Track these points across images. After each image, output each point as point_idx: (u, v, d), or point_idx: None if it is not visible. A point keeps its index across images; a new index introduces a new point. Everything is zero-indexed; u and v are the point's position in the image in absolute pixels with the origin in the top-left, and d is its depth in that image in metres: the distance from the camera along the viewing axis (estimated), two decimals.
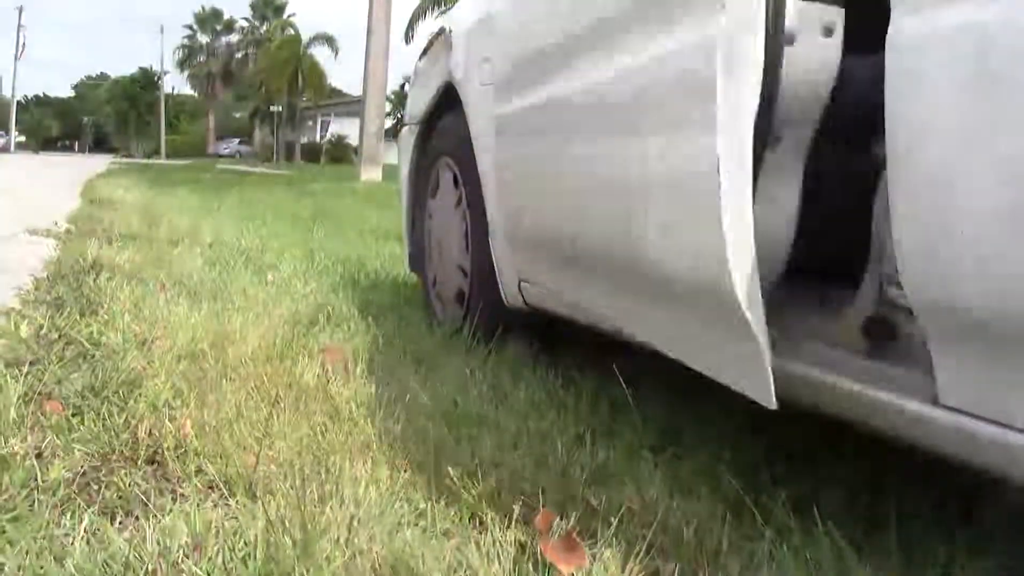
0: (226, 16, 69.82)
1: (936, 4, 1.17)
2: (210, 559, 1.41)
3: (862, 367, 1.43)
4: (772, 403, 1.42)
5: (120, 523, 1.62)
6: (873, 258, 1.41)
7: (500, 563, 1.41)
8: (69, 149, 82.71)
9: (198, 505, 1.65)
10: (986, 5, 1.09)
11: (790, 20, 1.54)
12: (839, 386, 1.45)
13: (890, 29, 1.21)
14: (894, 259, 1.31)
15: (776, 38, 1.52)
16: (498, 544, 1.46)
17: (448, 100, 3.26)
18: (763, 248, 1.59)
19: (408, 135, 3.84)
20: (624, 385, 1.97)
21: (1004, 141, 1.06)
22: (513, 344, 2.91)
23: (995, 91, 1.07)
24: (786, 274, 1.74)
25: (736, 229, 1.44)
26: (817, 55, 1.58)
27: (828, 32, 1.57)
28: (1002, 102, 1.07)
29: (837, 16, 1.58)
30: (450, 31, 3.27)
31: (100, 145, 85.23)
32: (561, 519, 1.57)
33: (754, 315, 1.42)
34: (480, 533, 1.53)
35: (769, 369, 1.42)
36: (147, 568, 1.35)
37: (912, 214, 1.20)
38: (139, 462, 1.87)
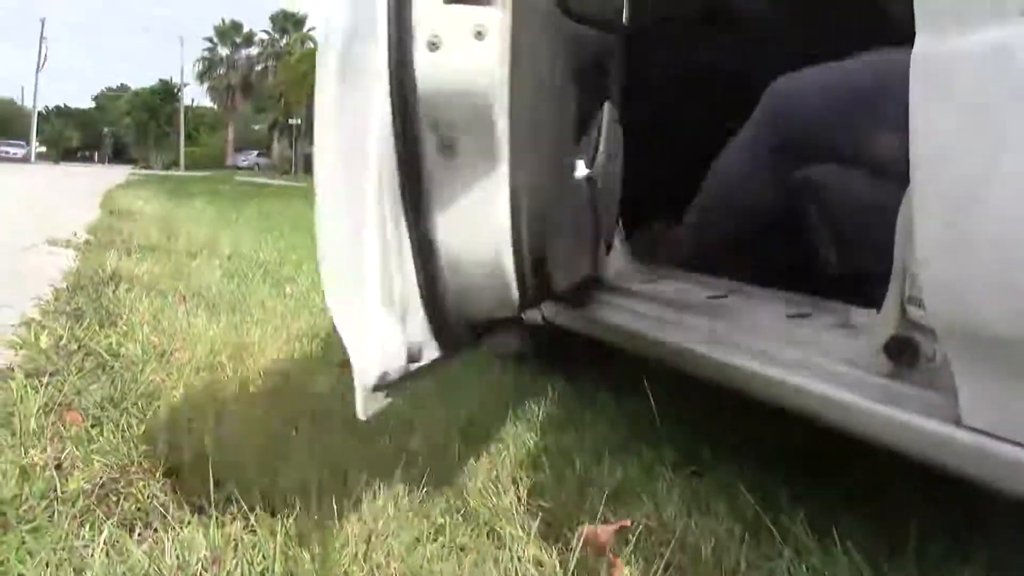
0: (246, 29, 70.10)
1: (962, 26, 1.16)
2: (228, 573, 1.42)
3: (883, 387, 1.43)
4: (360, 415, 1.45)
5: (139, 535, 1.62)
6: (895, 278, 1.41)
7: None
8: (89, 160, 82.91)
9: (217, 519, 1.65)
10: (1008, 27, 1.09)
11: (432, 26, 1.51)
12: (860, 406, 1.45)
13: (915, 49, 1.21)
14: (916, 279, 1.31)
15: (404, 44, 1.50)
16: (516, 560, 1.46)
17: None
18: (464, 266, 1.59)
19: None
20: (652, 401, 1.96)
21: (1019, 161, 1.06)
22: (530, 360, 2.90)
23: (1019, 110, 1.07)
24: (808, 292, 1.74)
25: (338, 253, 1.45)
26: (467, 60, 1.54)
27: (480, 36, 1.54)
28: (1015, 124, 1.06)
29: (489, 19, 1.53)
30: None
31: (120, 156, 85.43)
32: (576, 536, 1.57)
33: (348, 335, 1.42)
34: (498, 549, 1.53)
35: (357, 389, 1.44)
36: None
37: (936, 233, 1.19)
38: (158, 474, 1.88)
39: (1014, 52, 1.07)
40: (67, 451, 1.96)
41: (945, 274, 1.19)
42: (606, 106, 2.12)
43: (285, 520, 1.58)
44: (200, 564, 1.44)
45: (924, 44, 1.20)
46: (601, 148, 2.08)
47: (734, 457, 1.98)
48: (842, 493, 1.71)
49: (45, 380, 2.48)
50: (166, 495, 1.79)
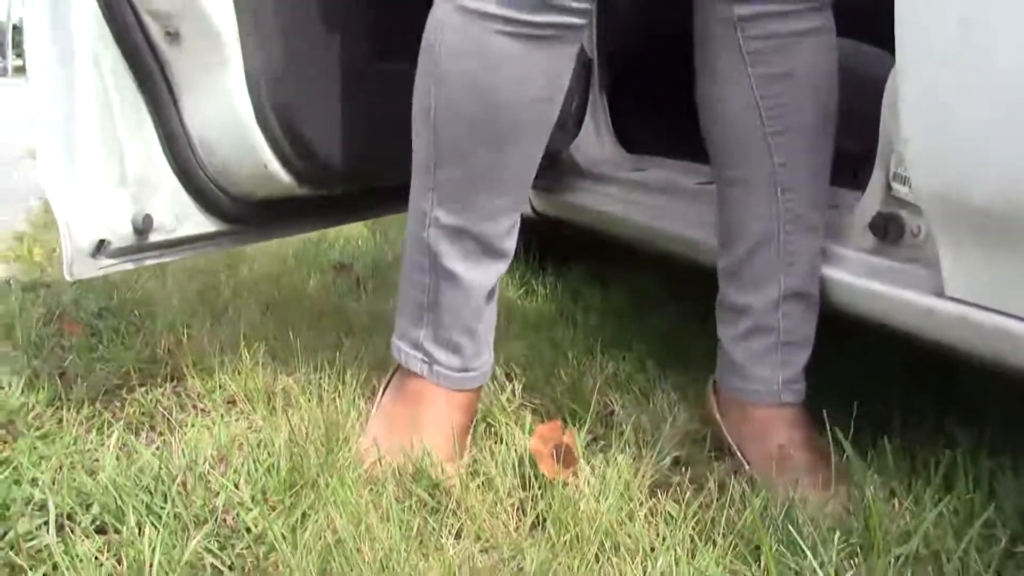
0: None
1: None
2: (235, 470, 1.46)
3: (869, 262, 1.47)
4: (66, 276, 1.57)
5: (146, 438, 1.67)
6: (881, 155, 1.43)
7: (516, 472, 1.45)
8: None
9: (221, 418, 1.69)
10: None
11: None
12: (847, 282, 1.48)
13: None
14: (902, 156, 1.34)
15: None
16: (513, 454, 1.50)
17: None
18: (218, 148, 1.68)
19: None
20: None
21: (1013, 31, 1.07)
22: (520, 255, 2.92)
23: None
24: None
25: (50, 139, 1.57)
26: None
27: None
28: None
29: None
30: None
31: None
32: (576, 426, 1.61)
33: (59, 208, 1.55)
34: (496, 443, 1.58)
35: (65, 250, 1.55)
36: (177, 480, 1.40)
37: (920, 108, 1.22)
38: (160, 380, 1.92)
39: None
40: (69, 360, 2.00)
41: (930, 149, 1.22)
42: None
43: (289, 418, 1.62)
44: (207, 463, 1.48)
45: None
46: None
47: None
48: (830, 380, 1.75)
49: (41, 292, 2.52)
50: (169, 399, 1.84)
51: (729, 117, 1.52)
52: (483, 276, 1.53)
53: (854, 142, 1.58)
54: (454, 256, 1.50)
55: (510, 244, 1.56)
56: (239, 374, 1.89)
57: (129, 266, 1.66)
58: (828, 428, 1.49)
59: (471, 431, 1.61)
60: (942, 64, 1.17)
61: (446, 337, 1.55)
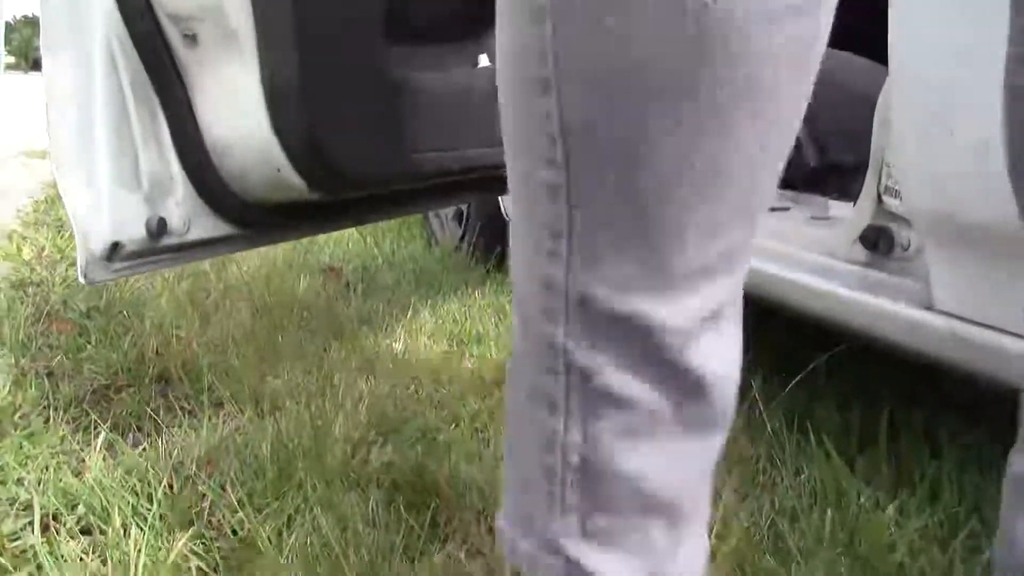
0: None
1: None
2: (222, 473, 1.46)
3: (860, 275, 1.47)
4: (80, 279, 1.54)
5: (133, 439, 1.66)
6: (872, 169, 1.44)
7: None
8: None
9: (208, 420, 1.69)
10: None
11: None
12: (837, 294, 1.48)
13: None
14: (893, 170, 1.34)
15: None
16: (492, 446, 1.50)
17: None
18: (234, 151, 1.67)
19: None
20: None
21: (998, 49, 1.08)
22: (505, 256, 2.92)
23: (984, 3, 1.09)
24: (788, 187, 1.75)
25: (65, 142, 1.55)
26: None
27: None
28: (992, 13, 1.08)
29: None
30: None
31: None
32: None
33: (74, 210, 1.53)
34: (484, 447, 1.57)
35: (79, 254, 1.53)
36: (163, 481, 1.39)
37: (913, 125, 1.22)
38: (147, 381, 1.91)
39: None
40: (57, 359, 1.99)
41: (921, 164, 1.22)
42: None
43: (276, 421, 1.62)
44: (194, 465, 1.47)
45: None
46: None
47: None
48: (819, 390, 1.75)
49: (31, 291, 2.51)
50: (156, 401, 1.83)
51: None
52: None
53: (846, 154, 1.58)
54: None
55: None
56: (227, 376, 1.89)
57: (142, 270, 1.64)
58: (813, 436, 1.49)
59: None
60: (935, 83, 1.17)
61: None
